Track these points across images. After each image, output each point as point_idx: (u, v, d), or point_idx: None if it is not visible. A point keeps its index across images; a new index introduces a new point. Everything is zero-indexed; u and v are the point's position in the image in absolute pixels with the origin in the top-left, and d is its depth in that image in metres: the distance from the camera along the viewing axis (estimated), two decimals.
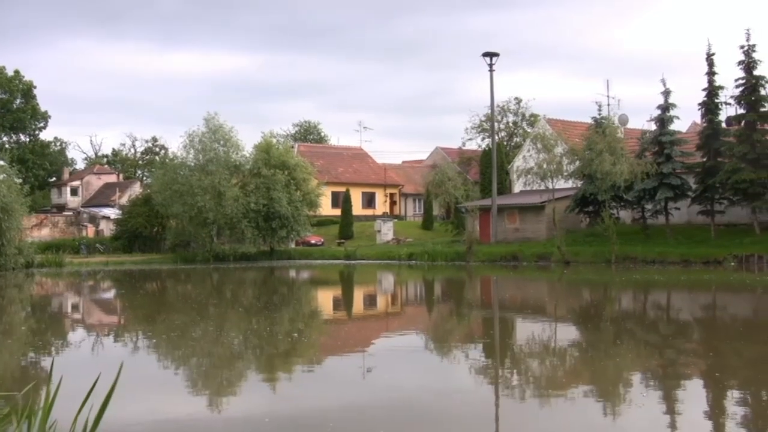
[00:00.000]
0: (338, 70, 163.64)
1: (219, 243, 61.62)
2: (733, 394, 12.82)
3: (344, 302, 32.62)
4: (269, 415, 11.34)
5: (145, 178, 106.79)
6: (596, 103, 59.20)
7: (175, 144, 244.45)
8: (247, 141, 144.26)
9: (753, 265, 40.22)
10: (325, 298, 34.34)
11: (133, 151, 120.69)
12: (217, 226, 59.38)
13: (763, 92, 45.89)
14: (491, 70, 58.30)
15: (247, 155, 61.45)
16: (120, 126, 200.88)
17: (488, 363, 16.26)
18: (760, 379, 13.90)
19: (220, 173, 57.55)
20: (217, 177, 57.09)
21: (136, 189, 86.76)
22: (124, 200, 79.50)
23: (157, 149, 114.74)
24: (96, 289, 40.14)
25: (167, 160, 69.64)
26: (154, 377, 14.85)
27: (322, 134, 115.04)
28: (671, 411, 11.65)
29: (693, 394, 12.90)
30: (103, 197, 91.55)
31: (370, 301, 32.91)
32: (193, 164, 59.58)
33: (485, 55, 58.17)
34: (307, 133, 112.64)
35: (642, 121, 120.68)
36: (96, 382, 6.85)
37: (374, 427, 10.69)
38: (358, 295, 35.94)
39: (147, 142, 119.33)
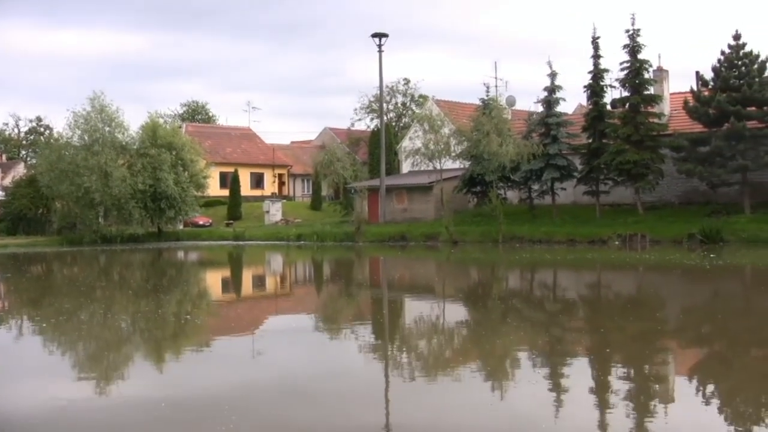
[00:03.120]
0: (226, 50, 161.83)
1: (106, 224, 60.47)
2: (618, 370, 12.96)
3: (233, 284, 32.27)
4: (164, 400, 11.06)
5: (29, 158, 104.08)
6: (484, 84, 59.59)
7: (60, 124, 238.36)
8: (135, 121, 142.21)
9: (636, 244, 40.96)
10: (214, 280, 33.89)
11: (16, 131, 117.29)
12: (104, 207, 58.40)
13: (647, 75, 46.73)
14: (380, 51, 58.12)
15: (134, 135, 60.42)
16: (1, 106, 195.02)
17: (377, 343, 16.13)
18: (644, 354, 14.07)
19: (107, 153, 56.47)
20: (103, 157, 56.00)
21: (20, 170, 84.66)
22: (7, 181, 77.50)
23: (42, 129, 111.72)
24: None
25: (52, 140, 68.04)
26: (42, 363, 14.43)
27: (210, 114, 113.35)
28: (558, 387, 11.68)
29: (580, 370, 12.94)
30: None
31: (260, 282, 32.58)
32: (78, 144, 58.37)
33: (374, 35, 57.91)
34: (195, 113, 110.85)
35: (529, 102, 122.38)
36: None
37: (269, 408, 10.56)
38: (247, 277, 35.59)
39: (31, 122, 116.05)
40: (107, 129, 58.36)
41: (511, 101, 62.51)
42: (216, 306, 23.87)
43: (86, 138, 57.89)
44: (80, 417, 10.46)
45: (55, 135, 59.49)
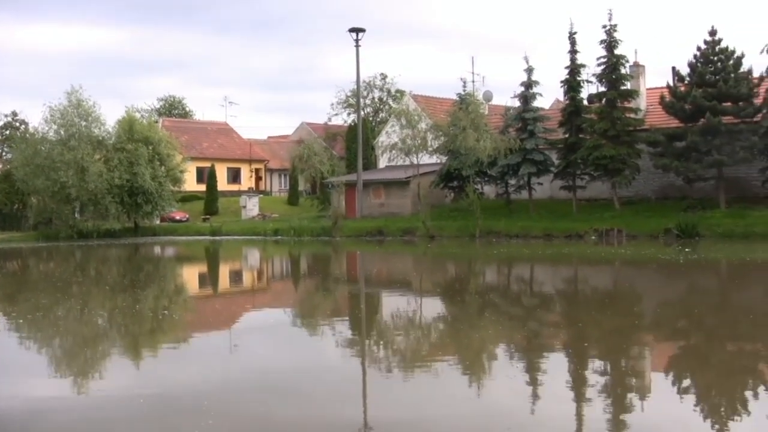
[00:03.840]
0: (203, 45, 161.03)
1: (82, 220, 60.17)
2: (596, 364, 13.01)
3: (210, 279, 32.20)
4: (143, 396, 10.98)
5: (4, 153, 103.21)
6: (461, 79, 59.53)
7: (36, 119, 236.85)
8: (111, 116, 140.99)
9: (613, 239, 41.13)
10: (191, 275, 33.79)
11: None
12: (80, 203, 58.14)
13: (623, 71, 46.83)
14: (357, 46, 57.98)
15: (110, 130, 60.20)
16: None
17: (355, 338, 16.13)
18: (621, 348, 14.13)
19: (83, 148, 56.28)
20: (79, 152, 55.79)
21: None
22: None
23: (17, 124, 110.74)
24: None
25: (28, 135, 67.61)
26: (18, 359, 14.33)
27: (187, 109, 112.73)
28: (536, 381, 11.72)
29: (557, 364, 12.99)
30: None
31: (237, 277, 32.52)
32: (54, 139, 58.09)
33: (351, 30, 57.81)
34: (172, 108, 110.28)
35: (506, 97, 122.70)
36: None
37: (248, 404, 10.52)
38: (224, 272, 35.48)
39: (6, 116, 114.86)
40: (84, 124, 58.16)
41: (488, 96, 62.62)
42: (193, 301, 23.84)
43: (62, 133, 57.65)
44: (57, 414, 10.40)
45: (31, 130, 59.14)
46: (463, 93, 54.85)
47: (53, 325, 18.21)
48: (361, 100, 71.06)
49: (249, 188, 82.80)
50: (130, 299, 22.42)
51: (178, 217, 67.39)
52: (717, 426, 9.41)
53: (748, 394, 10.96)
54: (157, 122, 74.39)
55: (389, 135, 59.09)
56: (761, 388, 11.32)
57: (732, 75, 43.63)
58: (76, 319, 19.04)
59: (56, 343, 16.27)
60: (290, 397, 10.86)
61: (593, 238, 41.75)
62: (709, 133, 42.54)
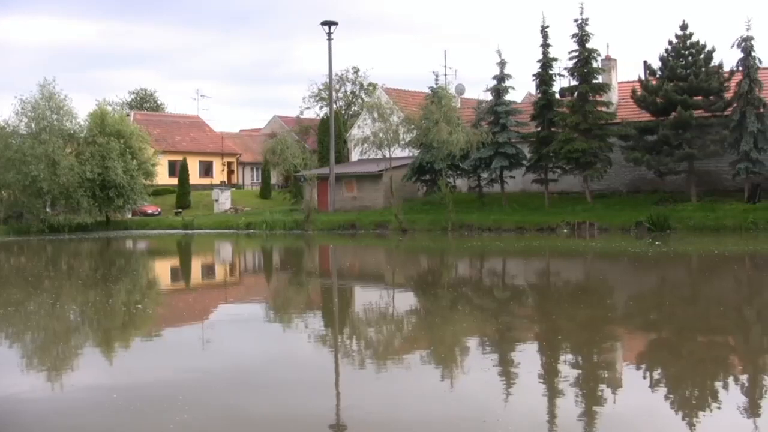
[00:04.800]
0: (175, 38, 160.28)
1: (53, 214, 59.92)
2: (569, 357, 13.05)
3: (183, 273, 32.08)
4: (116, 390, 10.91)
5: None
6: (434, 73, 59.60)
7: (7, 112, 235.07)
8: (83, 109, 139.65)
9: (584, 232, 41.33)
10: (163, 269, 33.67)
11: None
12: (51, 197, 57.71)
13: (595, 65, 47.05)
14: (330, 39, 57.96)
15: (82, 123, 60.05)
16: None
17: (328, 331, 16.10)
18: (592, 341, 14.18)
19: (54, 142, 56.06)
20: (50, 145, 55.56)
21: None
22: None
23: None
24: None
25: None
26: None
27: (159, 102, 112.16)
28: (509, 374, 11.74)
29: (531, 357, 13.02)
30: None
31: (209, 271, 32.40)
32: (25, 132, 57.85)
33: (324, 23, 57.73)
34: (144, 102, 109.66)
35: (478, 91, 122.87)
36: None
37: (222, 398, 10.46)
38: (197, 266, 35.38)
39: None
40: (55, 117, 57.93)
41: (460, 90, 62.73)
42: (166, 295, 23.75)
43: (33, 126, 57.42)
44: (29, 408, 10.32)
45: (2, 123, 58.64)
46: (435, 86, 54.88)
47: (25, 320, 18.07)
48: (334, 93, 70.99)
49: (221, 182, 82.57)
50: (102, 293, 22.30)
51: (150, 211, 67.14)
52: (688, 417, 9.47)
53: (719, 384, 11.06)
54: (128, 115, 73.96)
55: (361, 128, 59.18)
56: (731, 379, 11.42)
57: (703, 69, 43.96)
58: (48, 314, 18.90)
59: (28, 337, 16.14)
60: (264, 391, 10.87)
61: (565, 231, 41.93)
62: (680, 127, 42.86)
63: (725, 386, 10.98)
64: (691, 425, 9.16)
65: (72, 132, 59.04)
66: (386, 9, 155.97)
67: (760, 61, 42.88)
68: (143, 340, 15.65)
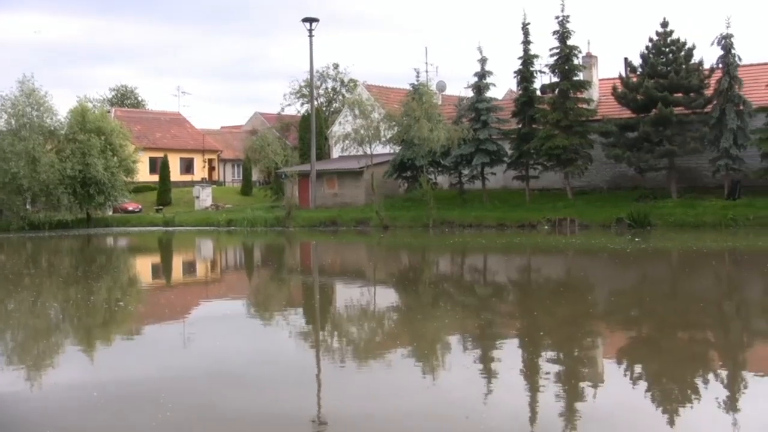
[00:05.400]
0: (156, 35, 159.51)
1: (34, 211, 59.59)
2: (550, 353, 13.10)
3: (164, 270, 31.96)
4: (97, 388, 10.90)
5: None
6: (415, 69, 59.64)
7: None
8: (64, 106, 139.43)
9: (565, 228, 41.41)
10: (144, 266, 33.58)
11: None
12: (31, 194, 57.38)
13: (576, 61, 47.07)
14: (311, 36, 57.86)
15: (62, 120, 59.67)
16: None
17: (309, 328, 16.13)
18: (573, 337, 14.24)
19: (34, 138, 55.74)
20: (31, 142, 55.23)
21: None
22: None
23: None
24: None
25: None
26: None
27: (140, 99, 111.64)
28: (491, 371, 11.78)
29: (512, 353, 13.08)
30: None
31: (190, 268, 32.35)
32: (5, 129, 57.46)
33: (305, 20, 57.63)
34: (124, 98, 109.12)
35: (459, 88, 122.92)
36: None
37: (203, 395, 10.50)
38: (178, 263, 35.28)
39: None
40: (35, 114, 57.55)
41: (441, 86, 62.72)
42: (147, 293, 23.69)
43: (13, 123, 57.06)
44: (10, 406, 10.28)
45: None
46: (416, 83, 54.84)
47: (5, 318, 18.01)
48: (315, 90, 70.89)
49: (202, 179, 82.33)
50: (83, 291, 22.23)
51: (130, 208, 66.85)
52: (668, 412, 9.53)
53: (698, 380, 11.15)
54: (109, 112, 73.66)
55: (342, 125, 59.09)
56: (710, 375, 11.50)
57: (683, 66, 44.06)
58: (29, 312, 18.84)
59: (8, 335, 16.08)
60: (246, 388, 10.87)
61: (546, 227, 41.99)
62: (661, 124, 42.96)
63: (705, 381, 11.07)
64: (672, 420, 9.22)
65: (52, 129, 58.64)
66: (367, 5, 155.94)
67: (740, 59, 43.00)
68: (125, 338, 15.65)
